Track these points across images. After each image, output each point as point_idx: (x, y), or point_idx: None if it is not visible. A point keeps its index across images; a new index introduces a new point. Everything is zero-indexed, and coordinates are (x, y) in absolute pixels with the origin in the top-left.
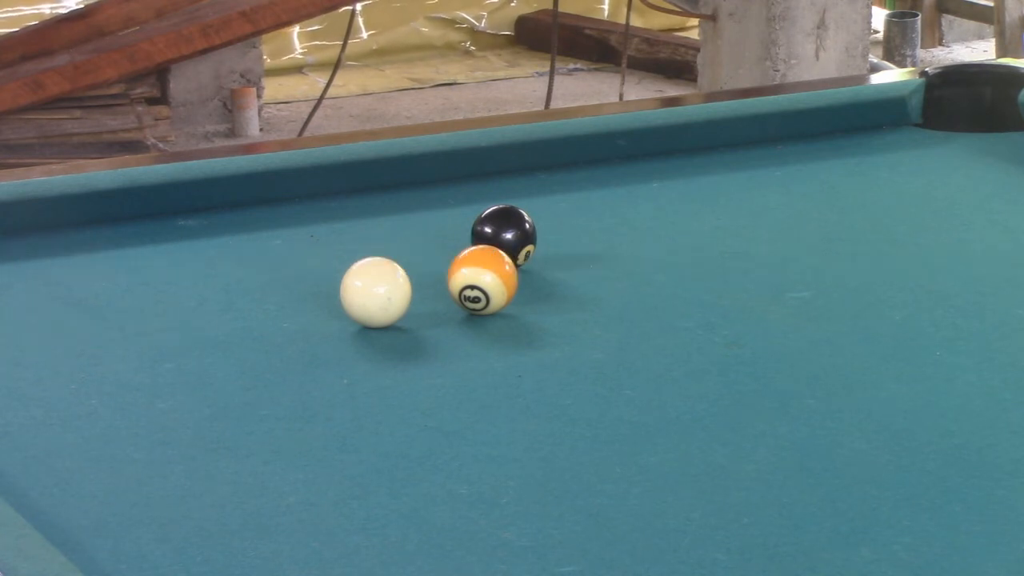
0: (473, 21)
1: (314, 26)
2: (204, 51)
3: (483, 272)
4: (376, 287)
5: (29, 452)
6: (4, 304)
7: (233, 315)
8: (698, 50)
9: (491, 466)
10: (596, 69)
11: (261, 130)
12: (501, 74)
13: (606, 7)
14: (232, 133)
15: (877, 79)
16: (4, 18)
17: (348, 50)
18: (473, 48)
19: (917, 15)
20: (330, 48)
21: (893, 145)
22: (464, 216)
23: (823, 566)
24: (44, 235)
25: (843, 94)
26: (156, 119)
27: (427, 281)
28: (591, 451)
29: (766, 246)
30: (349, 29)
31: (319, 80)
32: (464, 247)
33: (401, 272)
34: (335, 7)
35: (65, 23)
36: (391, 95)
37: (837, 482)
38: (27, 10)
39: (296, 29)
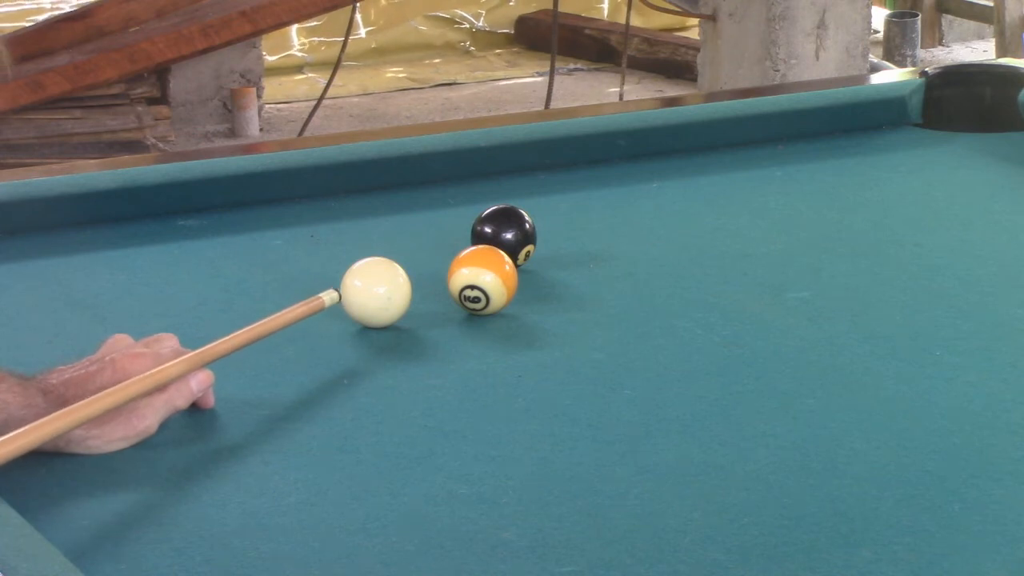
0: (471, 19)
1: (313, 22)
2: (204, 51)
3: (483, 272)
4: (376, 287)
5: (28, 452)
6: (4, 304)
7: (233, 315)
8: (698, 50)
9: (491, 466)
10: (596, 69)
11: (261, 130)
12: (501, 74)
13: (606, 7)
14: (232, 133)
15: (877, 79)
16: (3, 12)
17: (347, 49)
18: (473, 48)
19: (917, 15)
20: (329, 46)
21: (893, 145)
22: (464, 216)
23: (823, 566)
24: (44, 235)
25: (843, 94)
26: (156, 119)
27: (427, 281)
28: (591, 451)
29: (766, 246)
30: (349, 29)
31: (319, 80)
32: (464, 247)
33: (401, 272)
34: (335, 7)
35: (65, 23)
36: (391, 95)
37: (837, 482)
38: (27, 4)
39: (295, 26)
